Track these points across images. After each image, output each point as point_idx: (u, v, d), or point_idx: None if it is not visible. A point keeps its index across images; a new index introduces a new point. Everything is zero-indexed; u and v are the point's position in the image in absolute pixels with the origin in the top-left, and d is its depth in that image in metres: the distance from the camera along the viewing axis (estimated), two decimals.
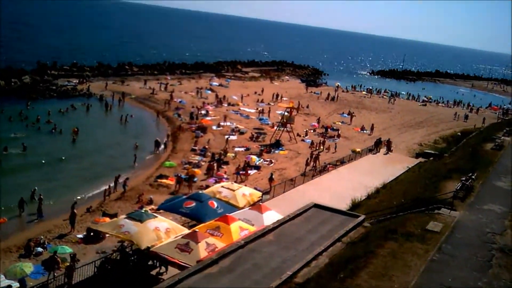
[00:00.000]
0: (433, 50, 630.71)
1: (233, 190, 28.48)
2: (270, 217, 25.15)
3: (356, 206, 35.18)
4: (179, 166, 46.26)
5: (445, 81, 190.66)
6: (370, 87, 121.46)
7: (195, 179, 42.50)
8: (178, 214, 27.31)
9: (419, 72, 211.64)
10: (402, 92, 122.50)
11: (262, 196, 37.89)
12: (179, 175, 42.26)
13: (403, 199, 30.01)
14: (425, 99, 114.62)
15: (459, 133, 75.11)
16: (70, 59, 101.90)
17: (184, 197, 28.14)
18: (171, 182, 41.04)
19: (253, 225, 24.40)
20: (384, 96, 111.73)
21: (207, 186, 40.90)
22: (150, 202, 36.69)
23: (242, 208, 27.35)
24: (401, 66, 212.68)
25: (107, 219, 30.50)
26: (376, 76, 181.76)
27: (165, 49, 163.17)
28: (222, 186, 29.10)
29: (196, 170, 44.15)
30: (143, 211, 25.62)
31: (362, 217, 25.18)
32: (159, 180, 41.81)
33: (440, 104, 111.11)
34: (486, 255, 19.59)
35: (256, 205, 25.85)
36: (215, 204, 26.09)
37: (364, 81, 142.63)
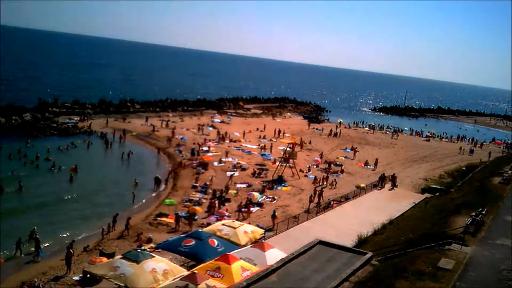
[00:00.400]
0: (434, 87, 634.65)
1: (234, 228, 27.38)
2: (273, 255, 24.03)
3: (362, 242, 34.05)
4: (179, 204, 45.24)
5: (447, 118, 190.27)
6: (373, 123, 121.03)
7: (196, 217, 41.43)
8: (176, 254, 26.12)
9: (421, 108, 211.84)
10: (405, 128, 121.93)
11: (264, 233, 36.89)
12: (178, 213, 41.21)
13: (411, 234, 28.88)
14: (428, 134, 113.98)
15: (464, 168, 74.04)
16: (72, 96, 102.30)
17: (183, 235, 27.07)
18: (171, 220, 40.00)
19: (255, 264, 23.27)
20: (387, 132, 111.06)
21: (208, 224, 39.80)
22: (149, 240, 35.62)
23: (244, 245, 26.24)
24: (403, 103, 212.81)
25: (104, 259, 29.38)
26: (378, 113, 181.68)
27: (167, 86, 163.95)
28: (223, 224, 28.02)
29: (197, 208, 43.09)
30: (139, 250, 24.52)
31: (369, 254, 24.05)
32: (158, 218, 40.77)
33: (443, 139, 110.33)
34: None
35: (258, 243, 24.75)
36: (216, 242, 24.99)
37: (366, 118, 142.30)
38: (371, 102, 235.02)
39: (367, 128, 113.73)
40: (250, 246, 24.86)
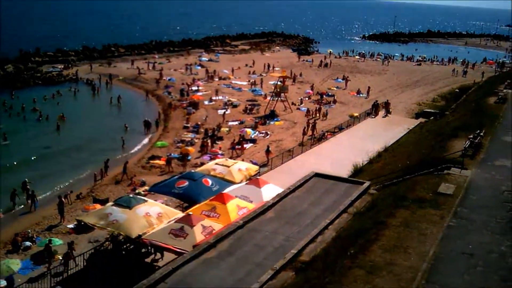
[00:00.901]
0: (424, 11, 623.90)
1: (228, 166, 26.65)
2: (269, 191, 23.48)
3: (358, 171, 33.62)
4: (171, 145, 44.49)
5: (437, 41, 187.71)
6: (363, 51, 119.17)
7: (189, 157, 40.78)
8: (170, 196, 25.52)
9: (411, 33, 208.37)
10: (396, 54, 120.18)
11: (259, 169, 36.38)
12: (170, 155, 40.53)
13: (408, 161, 28.37)
14: (419, 58, 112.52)
15: (457, 90, 73.34)
16: (55, 45, 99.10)
17: (176, 177, 26.39)
18: (163, 162, 39.27)
19: (251, 201, 22.72)
20: (378, 59, 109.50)
21: (202, 164, 39.10)
22: (143, 184, 35.08)
23: (239, 183, 25.62)
24: (392, 29, 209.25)
25: (98, 206, 28.85)
26: (368, 41, 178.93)
27: (153, 29, 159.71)
28: (216, 163, 27.24)
29: (189, 148, 42.35)
30: (131, 196, 23.96)
31: (367, 184, 23.55)
32: (151, 161, 40.06)
33: (434, 63, 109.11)
34: (506, 216, 17.96)
35: (253, 180, 24.13)
36: (210, 182, 24.30)
37: (356, 46, 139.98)
38: (360, 30, 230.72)
39: (357, 57, 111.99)
40: (245, 183, 24.26)
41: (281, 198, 21.42)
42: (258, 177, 24.10)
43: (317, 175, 24.80)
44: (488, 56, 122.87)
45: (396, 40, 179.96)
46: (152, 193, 27.94)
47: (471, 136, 26.73)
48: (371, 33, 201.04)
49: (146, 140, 47.60)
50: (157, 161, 40.00)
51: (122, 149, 44.03)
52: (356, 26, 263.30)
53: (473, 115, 36.52)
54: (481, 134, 27.40)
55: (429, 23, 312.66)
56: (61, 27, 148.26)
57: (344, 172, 33.41)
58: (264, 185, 23.82)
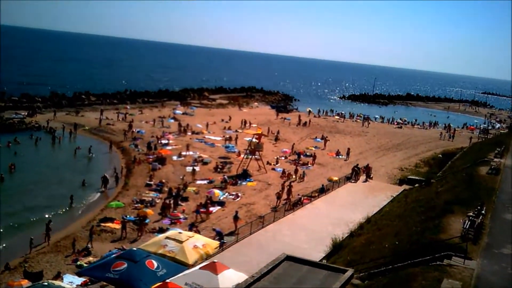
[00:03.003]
0: (401, 75, 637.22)
1: (181, 242, 21.88)
2: (228, 278, 18.85)
3: (337, 247, 29.30)
4: (129, 206, 39.68)
5: (417, 104, 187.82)
6: (342, 112, 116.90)
7: (147, 221, 36.06)
8: (104, 281, 20.51)
9: (390, 95, 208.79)
10: (376, 116, 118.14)
11: (224, 238, 31.86)
12: (126, 217, 35.79)
13: (397, 241, 24.04)
14: (400, 121, 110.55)
15: (440, 155, 70.56)
16: (25, 89, 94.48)
17: (114, 255, 21.53)
18: (116, 226, 34.48)
19: None
20: (358, 120, 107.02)
21: (161, 229, 34.72)
22: (88, 253, 30.13)
23: (193, 265, 20.89)
24: (372, 91, 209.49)
25: (25, 282, 23.69)
26: (347, 101, 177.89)
27: (133, 79, 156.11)
28: (168, 237, 22.44)
29: (148, 210, 37.65)
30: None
31: (349, 272, 19.02)
32: (102, 224, 35.16)
33: (415, 126, 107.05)
34: None
35: (209, 264, 19.28)
36: (155, 264, 19.41)
37: (335, 106, 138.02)
38: (337, 91, 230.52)
39: (337, 117, 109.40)
40: (199, 267, 19.52)
41: None
42: (215, 261, 19.35)
43: (289, 258, 20.26)
44: (467, 122, 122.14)
45: (375, 101, 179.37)
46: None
47: (471, 214, 22.64)
48: (350, 94, 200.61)
49: (101, 199, 42.60)
50: (109, 224, 35.16)
51: (69, 209, 38.87)
52: (336, 86, 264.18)
53: (465, 186, 32.66)
54: (483, 211, 23.34)
55: (407, 86, 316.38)
56: (37, 72, 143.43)
57: (322, 248, 29.19)
58: (222, 270, 19.05)
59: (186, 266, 20.71)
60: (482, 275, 17.52)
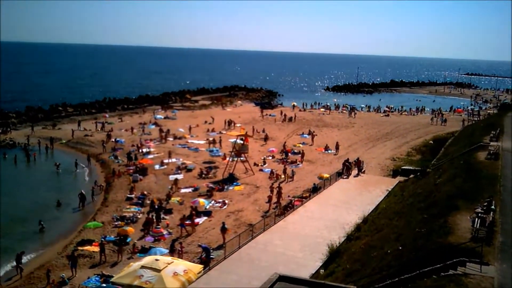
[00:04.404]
0: (384, 63, 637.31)
1: (159, 270, 19.23)
2: None
3: (335, 255, 26.97)
4: (109, 224, 36.94)
5: (401, 90, 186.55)
6: (327, 103, 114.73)
7: (129, 240, 33.44)
8: None
9: (374, 83, 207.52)
10: (362, 105, 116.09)
11: (212, 253, 29.42)
12: (105, 237, 33.19)
13: (399, 245, 21.68)
14: (387, 109, 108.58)
15: (431, 142, 68.68)
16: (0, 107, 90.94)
17: None
18: (95, 249, 31.76)
19: None
20: (344, 111, 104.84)
21: (144, 248, 32.12)
22: (63, 283, 27.44)
23: None
24: (356, 80, 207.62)
25: None
26: (332, 92, 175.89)
27: (114, 86, 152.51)
28: (143, 266, 19.73)
29: (129, 228, 34.93)
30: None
31: None
32: (80, 247, 32.40)
33: (403, 113, 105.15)
34: None
35: None
36: None
37: (320, 98, 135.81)
38: (320, 82, 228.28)
39: (322, 109, 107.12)
40: None
41: None
42: None
43: (282, 278, 17.86)
44: (454, 104, 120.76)
45: (360, 91, 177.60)
46: None
47: (480, 210, 20.32)
48: (334, 85, 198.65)
49: (78, 219, 39.74)
50: (87, 248, 32.42)
51: (41, 234, 35.96)
52: (320, 78, 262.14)
53: (466, 176, 30.39)
54: (492, 207, 21.01)
55: (390, 73, 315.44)
56: (14, 88, 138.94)
57: (318, 256, 26.89)
58: None
59: None
60: (505, 284, 15.21)
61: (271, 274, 20.16)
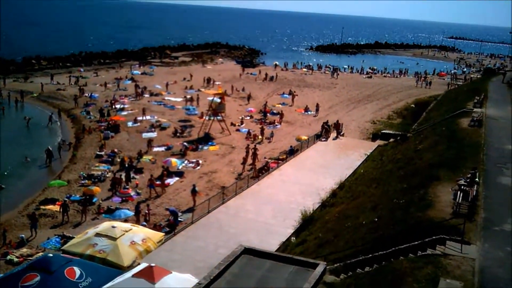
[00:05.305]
0: (368, 23, 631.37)
1: (115, 239, 17.73)
2: (169, 286, 14.96)
3: (308, 221, 25.85)
4: (75, 182, 35.22)
5: (385, 52, 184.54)
6: (310, 63, 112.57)
7: (95, 200, 31.86)
8: None
9: (358, 44, 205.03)
10: (344, 66, 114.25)
11: (181, 217, 28.08)
12: (70, 197, 31.58)
13: (376, 216, 20.46)
14: (370, 70, 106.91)
15: (413, 105, 67.49)
16: None
17: (25, 265, 17.29)
18: (58, 208, 30.11)
19: None
20: (326, 72, 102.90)
21: (110, 208, 30.61)
22: (21, 243, 25.92)
23: (129, 267, 16.89)
24: (340, 40, 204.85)
25: None
26: (315, 52, 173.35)
27: (93, 41, 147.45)
28: (98, 233, 18.13)
29: (95, 187, 33.29)
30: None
31: (321, 267, 15.45)
32: (42, 206, 30.77)
33: (386, 75, 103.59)
34: None
35: (145, 269, 15.14)
36: (77, 273, 15.12)
37: (303, 58, 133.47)
38: (306, 42, 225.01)
39: (305, 69, 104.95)
40: (131, 274, 15.45)
41: None
42: (152, 265, 15.25)
43: (247, 251, 16.52)
44: (437, 68, 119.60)
45: (344, 51, 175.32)
46: None
47: (462, 183, 19.06)
48: (318, 45, 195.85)
49: (44, 175, 37.98)
50: (50, 207, 30.79)
51: (4, 191, 34.07)
52: (301, 37, 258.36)
53: (448, 143, 29.16)
54: (477, 179, 19.76)
55: (375, 34, 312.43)
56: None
57: (290, 223, 25.66)
58: (161, 277, 15.07)
59: (121, 269, 16.70)
60: (486, 267, 14.01)
61: (240, 241, 18.99)
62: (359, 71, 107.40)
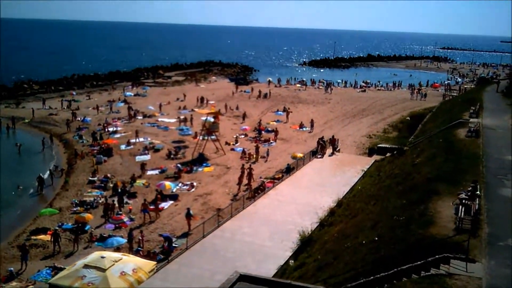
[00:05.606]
0: (360, 37, 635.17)
1: (104, 270, 17.02)
2: None
3: (306, 243, 25.11)
4: (67, 210, 34.42)
5: (378, 65, 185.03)
6: (303, 79, 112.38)
7: (87, 227, 31.05)
8: None
9: (351, 58, 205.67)
10: (338, 80, 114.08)
11: (175, 242, 27.33)
12: (62, 225, 30.78)
13: (376, 235, 19.74)
14: (363, 84, 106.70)
15: (408, 118, 67.08)
16: None
17: None
18: (49, 238, 29.25)
19: None
20: (320, 87, 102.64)
21: (102, 236, 29.80)
22: (11, 277, 25.05)
23: None
24: (333, 55, 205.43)
25: None
26: (308, 67, 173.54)
27: (85, 63, 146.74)
28: (86, 265, 17.40)
29: (87, 214, 32.48)
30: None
31: None
32: (33, 236, 29.94)
33: (379, 88, 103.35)
34: None
35: None
36: None
37: (297, 73, 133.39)
38: (298, 57, 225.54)
39: (298, 85, 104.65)
40: None
41: None
42: None
43: (243, 278, 15.77)
44: (430, 79, 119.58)
45: (337, 65, 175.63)
46: None
47: (464, 196, 18.43)
48: (311, 59, 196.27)
49: (35, 205, 37.12)
50: (41, 237, 29.95)
51: None
52: (295, 52, 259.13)
53: (446, 155, 28.56)
54: (478, 192, 19.12)
55: (367, 48, 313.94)
56: None
57: (288, 244, 24.93)
58: None
59: None
60: (494, 286, 13.31)
61: (236, 267, 18.31)
62: (353, 85, 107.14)
